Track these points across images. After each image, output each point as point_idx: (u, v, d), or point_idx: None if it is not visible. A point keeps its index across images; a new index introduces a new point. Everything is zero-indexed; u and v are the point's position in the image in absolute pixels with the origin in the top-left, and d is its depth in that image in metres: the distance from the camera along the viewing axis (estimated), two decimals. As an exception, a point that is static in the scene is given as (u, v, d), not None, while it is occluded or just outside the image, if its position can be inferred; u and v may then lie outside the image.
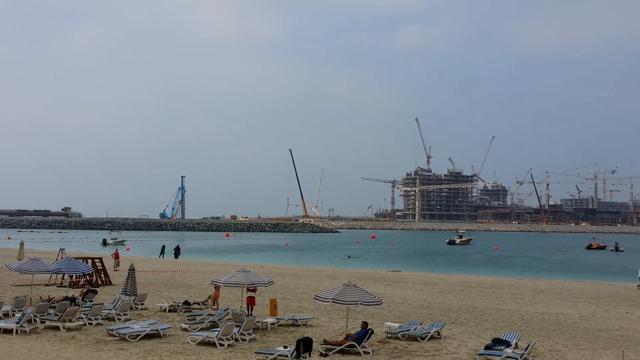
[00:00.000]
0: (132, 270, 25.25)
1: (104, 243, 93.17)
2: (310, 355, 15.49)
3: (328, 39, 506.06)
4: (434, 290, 34.78)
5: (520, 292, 34.87)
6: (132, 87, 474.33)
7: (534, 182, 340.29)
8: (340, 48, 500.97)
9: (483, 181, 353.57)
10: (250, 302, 23.00)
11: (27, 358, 15.70)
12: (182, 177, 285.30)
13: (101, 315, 21.10)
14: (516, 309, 27.50)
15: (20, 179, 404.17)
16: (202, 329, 19.60)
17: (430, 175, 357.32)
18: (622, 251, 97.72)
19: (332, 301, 17.07)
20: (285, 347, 16.05)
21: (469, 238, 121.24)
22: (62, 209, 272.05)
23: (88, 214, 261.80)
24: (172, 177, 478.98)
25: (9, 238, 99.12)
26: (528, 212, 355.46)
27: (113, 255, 46.48)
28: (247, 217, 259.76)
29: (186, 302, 24.93)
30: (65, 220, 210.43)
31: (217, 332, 17.63)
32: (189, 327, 20.07)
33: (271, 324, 20.78)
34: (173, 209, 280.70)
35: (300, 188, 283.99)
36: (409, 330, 19.35)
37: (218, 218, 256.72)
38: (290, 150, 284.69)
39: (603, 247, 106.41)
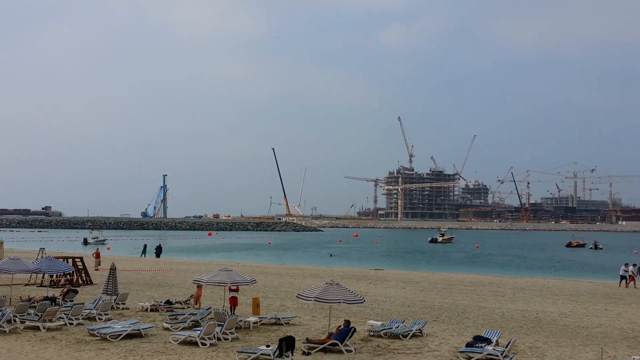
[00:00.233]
0: (113, 269, 25.07)
1: (85, 242, 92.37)
2: (292, 354, 15.50)
3: (311, 38, 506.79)
4: (416, 289, 34.95)
5: (501, 289, 35.15)
6: (113, 83, 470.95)
7: (514, 181, 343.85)
8: (323, 47, 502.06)
9: (465, 180, 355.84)
10: (233, 302, 22.97)
11: (7, 358, 15.53)
12: (164, 175, 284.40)
13: (82, 315, 20.92)
14: (497, 307, 27.73)
15: (0, 177, 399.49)
16: (184, 329, 19.52)
17: (412, 174, 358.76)
18: (601, 249, 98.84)
19: (315, 300, 17.10)
20: (268, 346, 16.04)
21: (450, 236, 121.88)
22: (43, 208, 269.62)
23: (69, 213, 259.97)
24: (154, 175, 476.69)
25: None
26: (509, 211, 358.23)
27: (94, 255, 46.13)
28: (229, 216, 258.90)
29: (168, 302, 24.82)
30: (45, 220, 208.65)
31: (199, 332, 17.57)
32: (171, 326, 19.97)
33: (254, 323, 20.76)
34: (155, 207, 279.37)
35: (283, 187, 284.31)
36: (391, 328, 19.42)
37: (200, 217, 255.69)
38: (273, 148, 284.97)
39: (582, 245, 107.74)
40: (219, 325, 18.40)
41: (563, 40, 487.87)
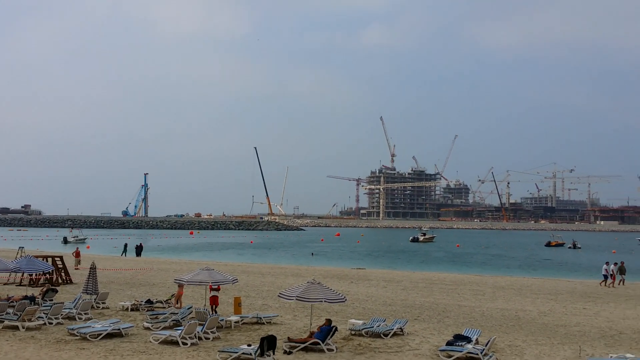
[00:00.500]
0: (93, 268, 24.86)
1: (65, 241, 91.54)
2: (274, 353, 15.51)
3: (293, 37, 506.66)
4: (398, 288, 35.12)
5: (481, 288, 35.44)
6: (94, 81, 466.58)
7: (495, 181, 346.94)
8: (306, 46, 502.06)
9: (446, 180, 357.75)
10: (214, 301, 22.93)
11: (-15, 359, 15.37)
12: (145, 174, 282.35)
13: (62, 315, 20.74)
14: (477, 305, 27.97)
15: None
16: (164, 328, 19.43)
17: (394, 174, 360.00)
18: (580, 248, 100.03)
19: (297, 299, 17.13)
20: (249, 345, 16.04)
21: (432, 236, 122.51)
22: (22, 207, 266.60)
23: (48, 211, 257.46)
24: (135, 174, 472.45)
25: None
26: (489, 210, 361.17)
27: (74, 254, 45.75)
28: (211, 215, 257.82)
29: (149, 301, 24.68)
30: (25, 218, 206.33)
31: (180, 331, 17.50)
32: (152, 326, 19.86)
33: (235, 322, 20.73)
34: (136, 206, 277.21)
35: (265, 186, 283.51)
36: (373, 327, 19.50)
37: (182, 216, 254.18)
38: (256, 148, 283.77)
39: (561, 245, 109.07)
40: (200, 324, 18.36)
41: (544, 42, 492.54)
